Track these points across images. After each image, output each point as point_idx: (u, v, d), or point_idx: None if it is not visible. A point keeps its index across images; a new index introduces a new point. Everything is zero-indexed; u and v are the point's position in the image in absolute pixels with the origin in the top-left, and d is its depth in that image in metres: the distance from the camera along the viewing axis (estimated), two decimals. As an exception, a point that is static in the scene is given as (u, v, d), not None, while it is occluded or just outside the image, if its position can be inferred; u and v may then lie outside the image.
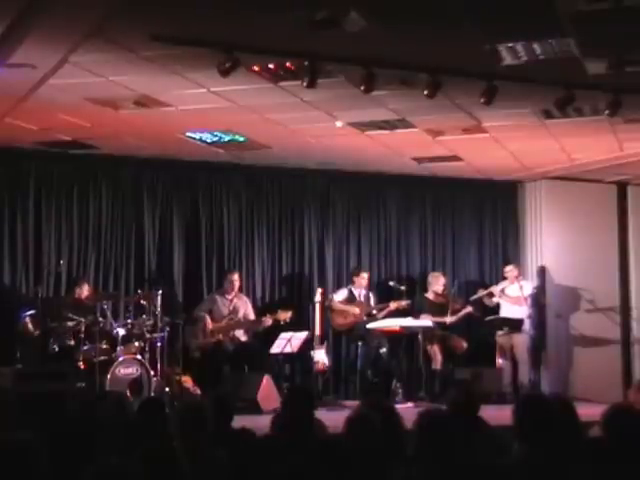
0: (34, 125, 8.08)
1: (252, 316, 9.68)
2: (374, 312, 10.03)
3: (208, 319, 9.41)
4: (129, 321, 8.72)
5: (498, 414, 4.94)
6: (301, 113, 7.62)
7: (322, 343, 9.69)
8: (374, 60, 6.05)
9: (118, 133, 8.46)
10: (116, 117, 7.67)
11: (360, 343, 9.86)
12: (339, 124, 8.00)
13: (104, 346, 8.34)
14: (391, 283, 10.34)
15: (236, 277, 9.71)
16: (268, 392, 8.68)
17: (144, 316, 8.69)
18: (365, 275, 10.13)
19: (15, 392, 7.47)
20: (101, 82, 6.63)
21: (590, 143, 8.84)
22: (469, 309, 10.18)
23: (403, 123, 7.96)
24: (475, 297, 10.32)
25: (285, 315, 9.38)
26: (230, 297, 9.65)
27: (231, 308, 9.59)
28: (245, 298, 9.80)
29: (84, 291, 8.91)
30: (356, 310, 9.94)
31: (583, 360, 10.52)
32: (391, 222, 10.98)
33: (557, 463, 3.39)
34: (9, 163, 9.28)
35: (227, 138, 8.73)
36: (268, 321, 9.35)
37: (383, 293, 10.45)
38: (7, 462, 2.98)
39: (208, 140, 8.79)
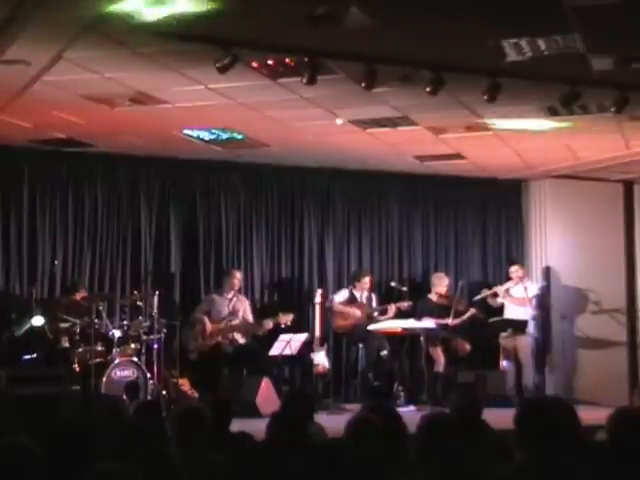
0: (28, 123, 8.03)
1: (250, 318, 9.58)
2: (375, 314, 9.92)
3: (207, 321, 9.31)
4: (125, 323, 8.67)
5: (502, 417, 4.83)
6: (301, 110, 7.57)
7: (322, 345, 9.60)
8: (375, 56, 6.00)
9: (114, 131, 8.41)
10: (112, 114, 7.61)
11: (361, 345, 9.76)
12: (340, 122, 7.94)
13: (99, 348, 8.28)
14: (393, 284, 10.27)
15: (239, 276, 9.62)
16: (267, 395, 8.59)
17: (140, 317, 8.64)
18: (367, 279, 10.01)
19: (10, 395, 7.38)
20: (96, 79, 6.58)
21: (596, 141, 8.79)
22: (473, 311, 10.07)
23: (405, 121, 7.89)
24: (479, 297, 10.24)
25: (286, 318, 9.28)
26: (229, 297, 9.54)
27: (231, 308, 9.49)
28: (244, 299, 9.71)
29: (81, 295, 8.83)
30: (357, 312, 9.84)
31: (588, 363, 10.48)
32: (393, 222, 10.90)
33: (560, 467, 3.29)
34: (2, 161, 9.17)
35: (225, 136, 8.67)
36: (269, 324, 9.25)
37: (384, 294, 10.35)
38: (4, 466, 2.94)
39: (206, 138, 8.73)
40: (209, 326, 9.30)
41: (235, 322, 9.44)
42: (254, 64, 6.24)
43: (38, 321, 8.20)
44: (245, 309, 9.60)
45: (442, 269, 10.68)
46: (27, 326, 8.20)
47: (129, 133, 8.54)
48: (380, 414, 4.32)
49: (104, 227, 9.62)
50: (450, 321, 9.88)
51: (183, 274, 9.95)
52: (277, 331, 9.31)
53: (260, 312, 9.85)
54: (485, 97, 6.41)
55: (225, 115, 7.80)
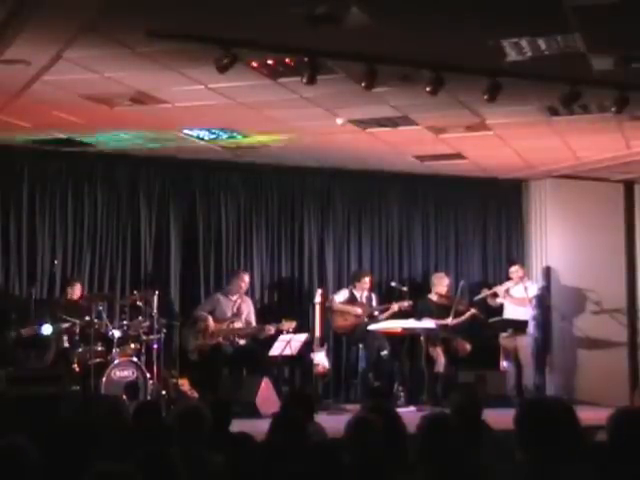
0: (28, 122, 8.00)
1: (254, 320, 9.56)
2: (375, 313, 9.90)
3: (210, 320, 9.29)
4: (125, 323, 8.64)
5: (502, 417, 4.83)
6: (301, 110, 7.53)
7: (322, 345, 9.57)
8: (375, 56, 5.97)
9: (114, 131, 8.35)
10: (112, 114, 7.58)
11: (361, 345, 9.74)
12: (340, 121, 7.90)
13: (99, 348, 8.26)
14: (393, 284, 10.24)
15: (247, 280, 9.60)
16: (267, 395, 8.57)
17: (140, 318, 8.61)
18: (367, 279, 9.99)
19: (9, 395, 7.37)
20: (96, 78, 6.56)
21: (596, 141, 8.77)
22: (473, 311, 10.04)
23: (405, 120, 7.86)
24: (479, 297, 10.21)
25: (289, 325, 9.26)
26: (234, 298, 9.53)
27: (235, 310, 9.48)
28: (249, 301, 9.67)
29: (76, 291, 8.81)
30: (357, 311, 9.82)
31: (589, 363, 10.44)
32: (393, 221, 10.88)
33: (560, 468, 3.29)
34: (2, 161, 9.15)
35: (225, 136, 8.63)
36: (271, 330, 9.23)
37: (385, 294, 10.33)
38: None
39: (206, 138, 8.69)
40: (212, 324, 9.28)
41: (237, 325, 9.43)
42: (254, 64, 6.21)
43: (47, 330, 8.19)
44: (249, 312, 9.58)
45: (442, 269, 10.65)
46: (35, 333, 8.18)
47: (129, 133, 8.53)
48: (380, 414, 4.31)
49: (104, 227, 9.59)
50: (450, 321, 9.86)
51: (183, 274, 9.92)
52: (278, 332, 9.31)
53: (262, 313, 9.82)
54: (485, 97, 6.38)
55: (225, 115, 7.78)
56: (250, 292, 10.02)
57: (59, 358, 8.22)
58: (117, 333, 8.38)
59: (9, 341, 8.18)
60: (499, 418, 4.99)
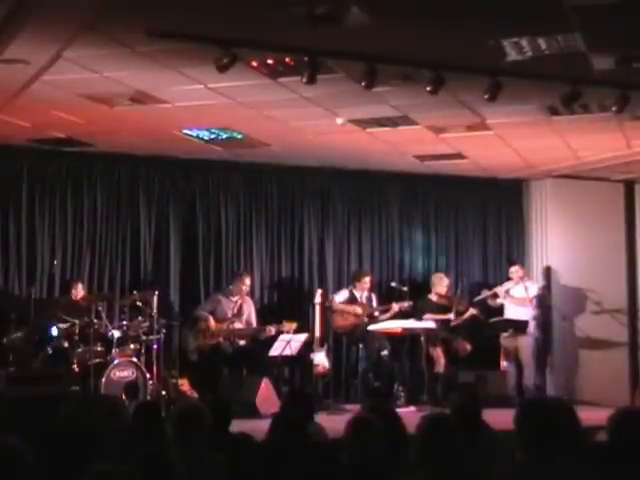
0: (27, 122, 8.00)
1: (254, 321, 9.55)
2: (376, 314, 9.90)
3: (211, 319, 9.29)
4: (124, 323, 8.64)
5: (502, 417, 4.82)
6: (301, 110, 7.54)
7: (322, 345, 9.57)
8: (375, 56, 5.97)
9: (113, 130, 8.37)
10: (111, 114, 7.58)
11: (361, 345, 9.73)
12: (340, 121, 7.90)
13: (99, 348, 8.25)
14: (393, 284, 10.24)
15: (248, 282, 9.57)
16: (267, 395, 8.57)
17: (140, 318, 8.59)
18: (367, 279, 9.99)
19: (7, 395, 7.36)
20: (96, 78, 6.56)
21: (597, 140, 8.76)
22: (473, 311, 10.04)
23: (405, 120, 7.86)
24: (479, 298, 10.22)
25: (290, 326, 9.24)
26: (235, 299, 9.52)
27: (235, 311, 9.48)
28: (251, 302, 9.66)
29: (79, 292, 8.80)
30: (357, 310, 9.81)
31: (589, 363, 10.43)
32: (393, 221, 10.87)
33: (560, 468, 3.28)
34: (1, 161, 9.15)
35: (225, 135, 8.64)
36: (271, 331, 9.22)
37: (385, 294, 10.33)
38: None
39: (205, 137, 8.70)
40: (213, 324, 9.28)
41: (238, 325, 9.42)
42: (254, 63, 6.21)
43: (54, 332, 8.19)
44: (250, 313, 9.57)
45: (442, 269, 10.66)
46: (44, 334, 8.19)
47: (128, 133, 8.51)
48: (380, 414, 4.30)
49: (103, 227, 9.57)
50: (452, 316, 9.86)
51: (182, 274, 9.91)
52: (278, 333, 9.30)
53: (262, 313, 9.81)
54: (486, 96, 6.39)
55: (225, 114, 7.77)
56: (250, 292, 10.02)
57: (58, 358, 8.20)
58: (117, 333, 8.38)
59: (11, 341, 8.17)
60: (499, 418, 4.98)
